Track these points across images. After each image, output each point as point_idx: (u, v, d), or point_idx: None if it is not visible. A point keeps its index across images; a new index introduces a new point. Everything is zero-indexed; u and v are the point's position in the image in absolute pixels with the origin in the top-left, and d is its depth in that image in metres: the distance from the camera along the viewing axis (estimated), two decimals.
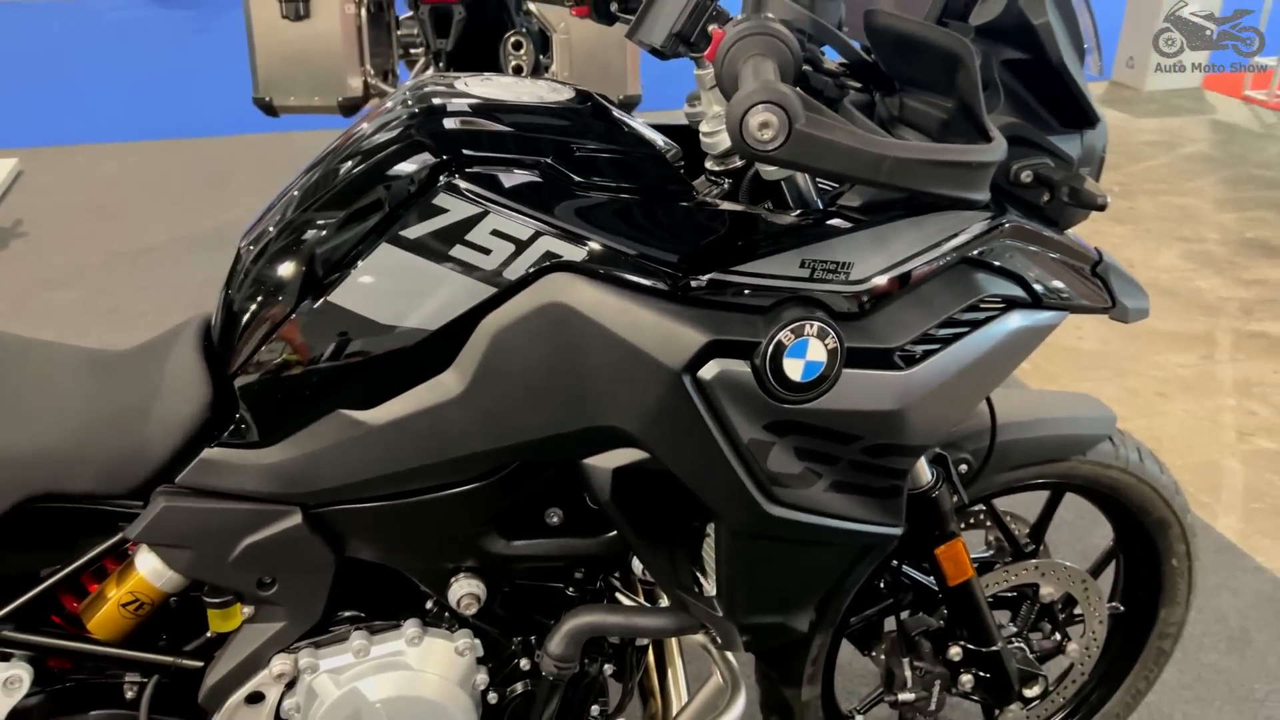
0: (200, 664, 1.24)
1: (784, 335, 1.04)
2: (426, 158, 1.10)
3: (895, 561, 1.57)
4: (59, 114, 6.02)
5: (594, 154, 1.14)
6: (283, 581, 1.20)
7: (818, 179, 1.16)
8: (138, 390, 1.19)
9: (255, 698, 1.24)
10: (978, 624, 1.51)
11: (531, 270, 1.06)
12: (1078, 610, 1.67)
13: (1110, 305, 1.27)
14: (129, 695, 1.26)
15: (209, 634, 1.24)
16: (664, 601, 1.36)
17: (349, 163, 1.17)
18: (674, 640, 1.61)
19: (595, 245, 1.06)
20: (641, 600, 1.39)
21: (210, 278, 3.81)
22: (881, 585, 1.60)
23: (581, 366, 1.07)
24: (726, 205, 1.13)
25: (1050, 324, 1.21)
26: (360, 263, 1.08)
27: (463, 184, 1.07)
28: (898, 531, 1.19)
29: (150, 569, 1.18)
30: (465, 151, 1.10)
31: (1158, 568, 1.69)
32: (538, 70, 3.19)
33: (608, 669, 1.40)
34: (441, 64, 3.27)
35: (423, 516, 1.17)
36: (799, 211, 1.13)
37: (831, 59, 1.23)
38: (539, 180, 1.09)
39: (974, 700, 1.63)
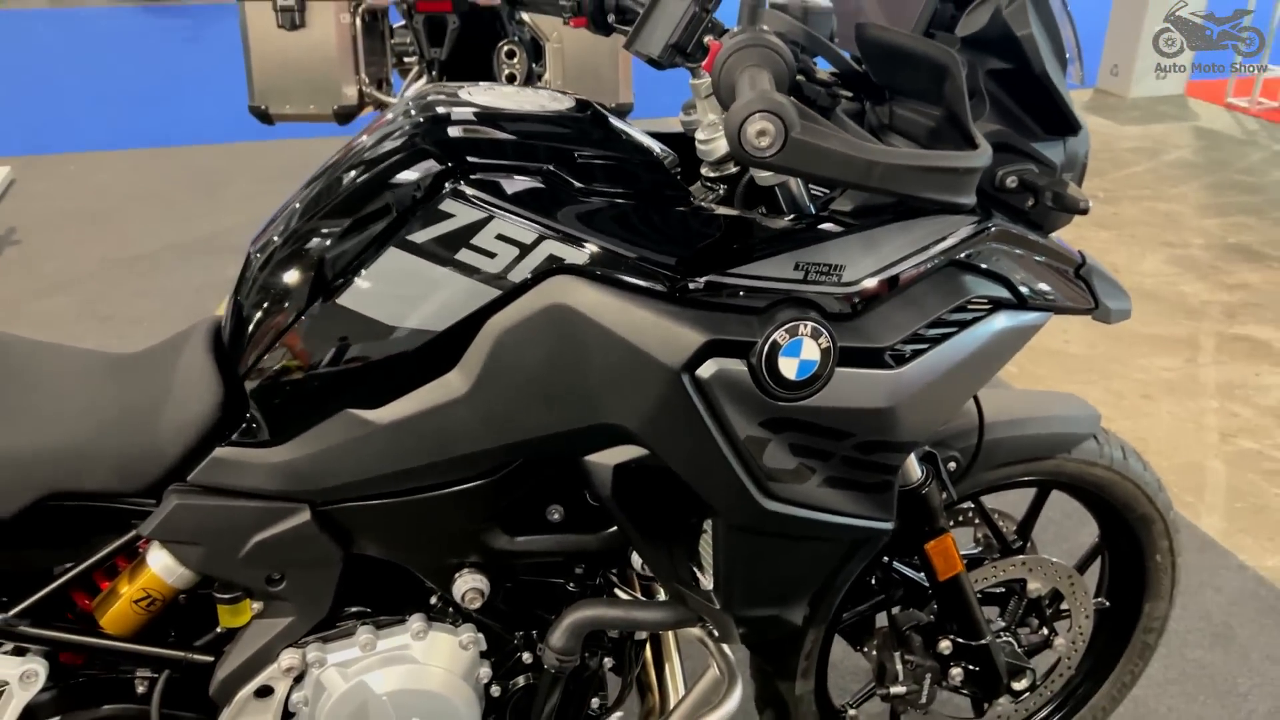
0: (210, 659, 1.27)
1: (779, 335, 1.08)
2: (432, 165, 1.13)
3: (886, 558, 1.60)
4: (51, 122, 6.03)
5: (594, 160, 1.17)
6: (291, 577, 1.23)
7: (810, 184, 1.20)
8: (150, 391, 1.22)
9: (264, 691, 1.27)
10: (967, 618, 1.54)
11: (535, 273, 1.09)
12: (1064, 605, 1.70)
13: (1093, 306, 1.31)
14: (140, 690, 1.29)
15: (219, 629, 1.28)
16: (662, 596, 1.40)
17: (354, 171, 1.20)
18: (671, 636, 1.64)
19: (596, 249, 1.09)
20: (639, 595, 1.42)
21: (204, 284, 3.88)
22: (873, 581, 1.64)
23: (583, 366, 1.10)
24: (722, 210, 1.16)
25: (1035, 324, 1.25)
26: (368, 266, 1.12)
27: (468, 190, 1.11)
28: (889, 526, 1.23)
29: (162, 566, 1.21)
30: (470, 158, 1.13)
31: (1142, 563, 1.73)
32: (530, 78, 3.23)
33: (607, 662, 1.43)
34: (435, 72, 3.30)
35: (428, 513, 1.20)
36: (792, 216, 1.16)
37: (823, 69, 1.26)
38: (542, 186, 1.12)
39: (964, 694, 1.66)
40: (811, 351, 1.09)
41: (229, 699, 1.26)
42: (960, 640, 1.56)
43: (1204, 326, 3.76)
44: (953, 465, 1.48)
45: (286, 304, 1.15)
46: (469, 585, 1.26)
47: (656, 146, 1.29)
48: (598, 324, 1.09)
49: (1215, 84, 6.77)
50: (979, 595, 1.58)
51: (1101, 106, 6.63)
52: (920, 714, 1.67)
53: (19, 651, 1.21)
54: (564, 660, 1.30)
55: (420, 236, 1.10)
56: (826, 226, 1.14)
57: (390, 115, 1.30)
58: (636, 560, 1.35)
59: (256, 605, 1.26)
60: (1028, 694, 1.69)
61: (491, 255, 1.10)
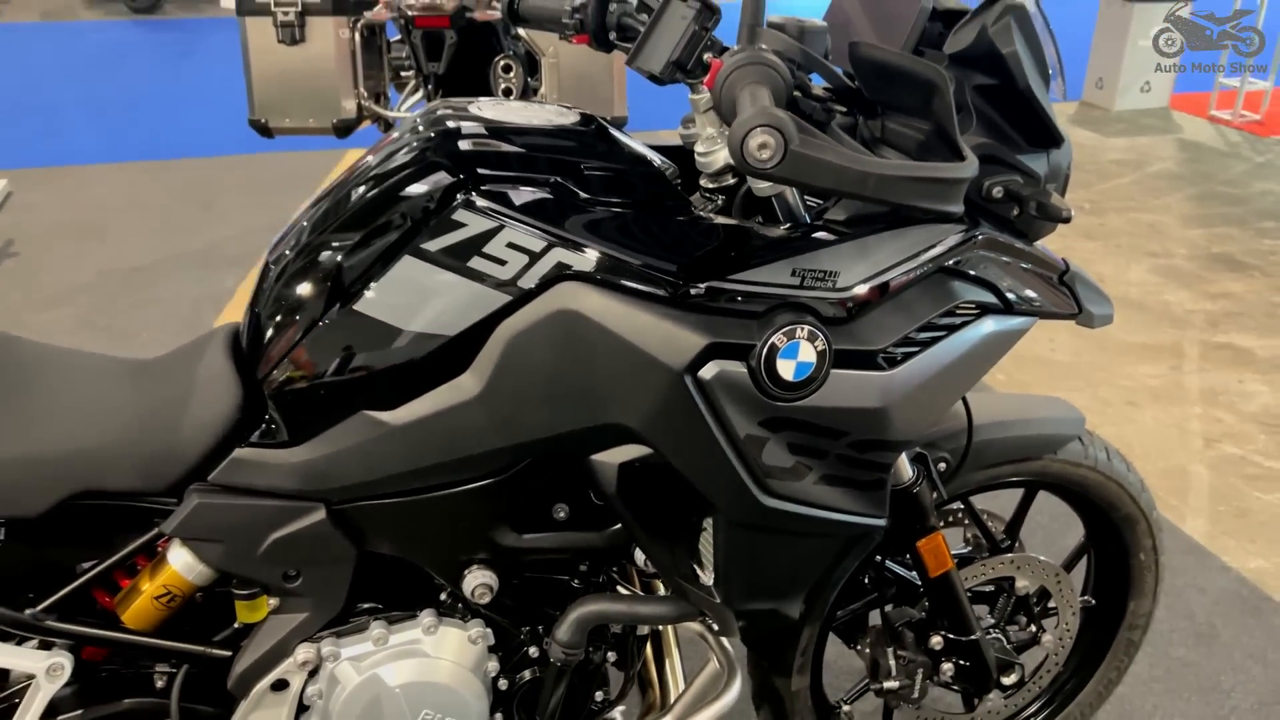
0: (228, 653, 1.31)
1: (777, 338, 1.13)
2: (444, 177, 1.18)
3: (879, 557, 1.65)
4: (45, 135, 6.06)
5: (599, 172, 1.22)
6: (307, 574, 1.27)
7: (805, 195, 1.25)
8: (172, 395, 1.26)
9: (280, 684, 1.31)
10: (957, 614, 1.58)
11: (544, 280, 1.14)
12: (1052, 603, 1.75)
13: (1077, 311, 1.36)
14: (159, 684, 1.33)
15: (236, 625, 1.32)
16: (662, 592, 1.44)
17: (367, 186, 1.24)
18: (671, 633, 1.69)
19: (602, 256, 1.14)
20: (640, 592, 1.47)
21: (201, 296, 3.92)
22: (866, 580, 1.68)
23: (590, 368, 1.15)
24: (721, 219, 1.22)
25: (1021, 329, 1.30)
26: (384, 274, 1.16)
27: (479, 201, 1.15)
28: (882, 523, 1.27)
29: (182, 563, 1.25)
30: (481, 171, 1.18)
31: (1126, 562, 1.78)
32: (526, 92, 3.28)
33: (610, 657, 1.47)
34: (431, 86, 3.35)
35: (439, 512, 1.25)
36: (788, 225, 1.21)
37: (818, 85, 1.31)
38: (550, 197, 1.17)
39: (955, 690, 1.70)
40: (808, 354, 1.14)
41: (246, 692, 1.30)
42: (951, 636, 1.60)
43: (1188, 335, 3.82)
44: (943, 466, 1.52)
45: (305, 311, 1.20)
46: (478, 581, 1.30)
47: (657, 159, 1.33)
48: (604, 328, 1.13)
49: (1198, 97, 6.87)
50: (969, 594, 1.62)
51: (1087, 119, 6.72)
52: (913, 710, 1.72)
53: (45, 646, 1.25)
54: (570, 654, 1.35)
55: (434, 245, 1.15)
56: (821, 235, 1.19)
57: (396, 134, 1.34)
58: (639, 557, 1.39)
59: (273, 601, 1.30)
60: (1017, 690, 1.73)
61: (502, 263, 1.14)
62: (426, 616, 1.33)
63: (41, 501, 1.19)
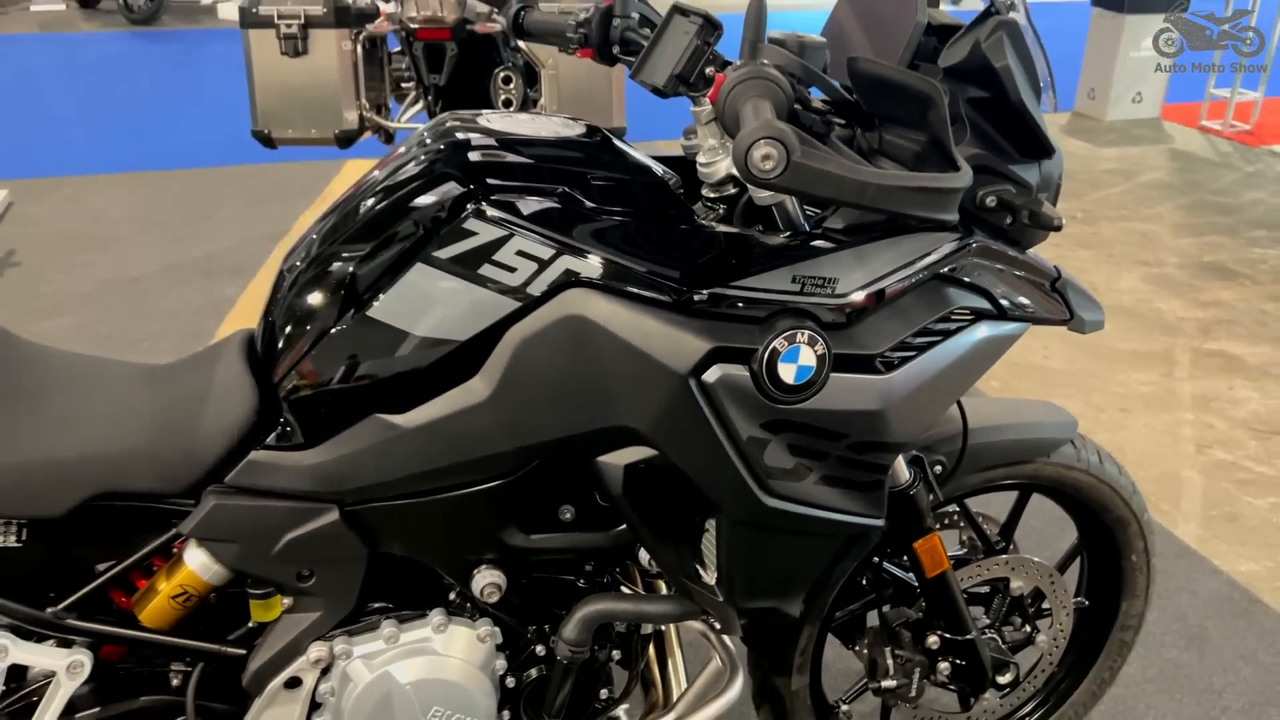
0: (242, 652, 1.34)
1: (778, 343, 1.17)
2: (455, 187, 1.22)
3: (877, 559, 1.68)
4: (47, 145, 6.08)
5: (605, 182, 1.25)
6: (320, 574, 1.30)
7: (805, 204, 1.29)
8: (189, 399, 1.29)
9: (293, 682, 1.33)
10: (953, 614, 1.62)
11: (552, 286, 1.18)
12: (1046, 604, 1.78)
13: (1069, 317, 1.39)
14: (175, 682, 1.36)
15: (250, 624, 1.35)
16: (664, 592, 1.47)
17: (378, 196, 1.28)
18: (674, 633, 1.72)
19: (608, 263, 1.18)
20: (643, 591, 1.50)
21: (202, 306, 3.95)
22: (864, 581, 1.71)
23: (597, 372, 1.18)
24: (723, 228, 1.25)
25: (1014, 334, 1.34)
26: (396, 281, 1.19)
27: (489, 210, 1.19)
28: (880, 523, 1.31)
29: (199, 563, 1.28)
30: (490, 181, 1.22)
31: (1118, 563, 1.81)
32: (526, 103, 3.33)
33: (615, 656, 1.50)
34: (431, 98, 3.40)
35: (449, 513, 1.28)
36: (788, 233, 1.25)
37: (818, 98, 1.35)
38: (558, 206, 1.21)
39: (951, 690, 1.73)
40: (808, 358, 1.18)
41: (260, 689, 1.33)
42: (947, 635, 1.63)
43: (1179, 342, 3.87)
44: (938, 468, 1.55)
45: (319, 317, 1.23)
46: (487, 581, 1.33)
47: (660, 169, 1.36)
48: (610, 333, 1.17)
49: (1189, 107, 6.92)
50: (965, 594, 1.65)
51: (1079, 129, 6.77)
52: (910, 709, 1.75)
53: (64, 644, 1.28)
54: (576, 652, 1.38)
55: (445, 253, 1.19)
56: (820, 243, 1.22)
57: (404, 148, 1.37)
58: (643, 557, 1.43)
59: (286, 601, 1.33)
60: (1012, 690, 1.76)
61: (512, 270, 1.18)
62: (436, 615, 1.36)
63: (63, 503, 1.22)
